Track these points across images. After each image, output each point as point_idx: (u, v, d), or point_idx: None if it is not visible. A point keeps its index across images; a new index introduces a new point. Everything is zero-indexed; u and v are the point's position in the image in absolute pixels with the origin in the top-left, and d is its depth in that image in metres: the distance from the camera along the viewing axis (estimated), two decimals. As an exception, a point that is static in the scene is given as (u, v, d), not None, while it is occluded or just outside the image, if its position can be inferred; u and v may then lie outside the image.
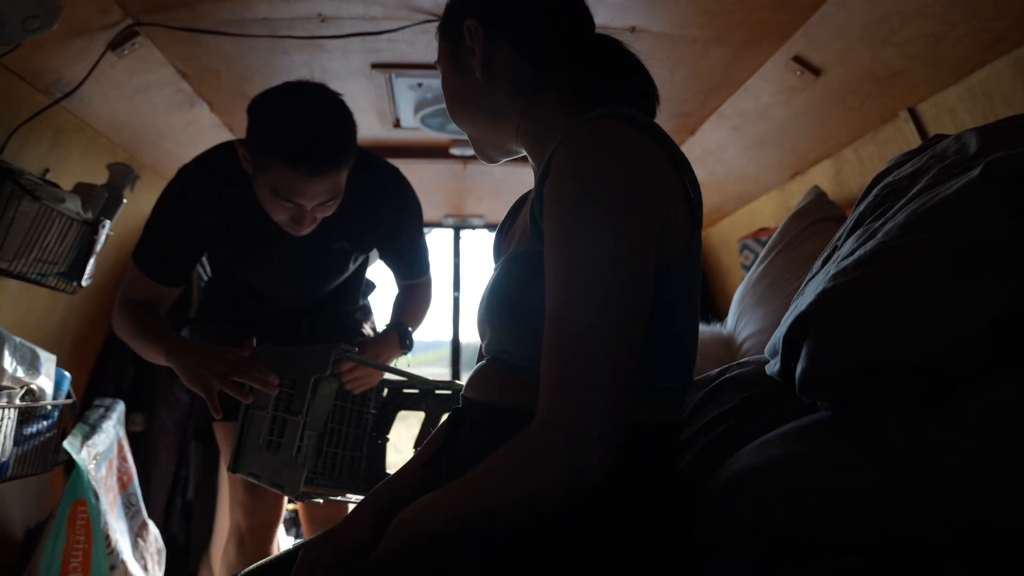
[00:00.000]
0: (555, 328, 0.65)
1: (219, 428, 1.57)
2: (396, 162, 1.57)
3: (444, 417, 1.15)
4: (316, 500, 1.35)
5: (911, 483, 0.61)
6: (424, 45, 1.63)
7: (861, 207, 0.89)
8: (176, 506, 2.32)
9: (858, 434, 0.67)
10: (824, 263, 0.88)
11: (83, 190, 1.56)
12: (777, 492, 0.69)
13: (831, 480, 0.66)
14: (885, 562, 0.61)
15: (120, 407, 1.92)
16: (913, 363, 0.66)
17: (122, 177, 1.68)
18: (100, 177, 1.66)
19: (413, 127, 2.01)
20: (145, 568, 1.79)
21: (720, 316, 2.39)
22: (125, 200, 1.69)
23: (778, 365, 0.82)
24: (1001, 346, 0.64)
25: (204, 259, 1.72)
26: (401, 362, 1.62)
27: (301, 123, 1.25)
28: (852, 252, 0.77)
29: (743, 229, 2.37)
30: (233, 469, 1.35)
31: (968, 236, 0.66)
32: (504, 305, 0.76)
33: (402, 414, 1.49)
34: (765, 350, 0.94)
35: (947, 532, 0.59)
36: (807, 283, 0.90)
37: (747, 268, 2.10)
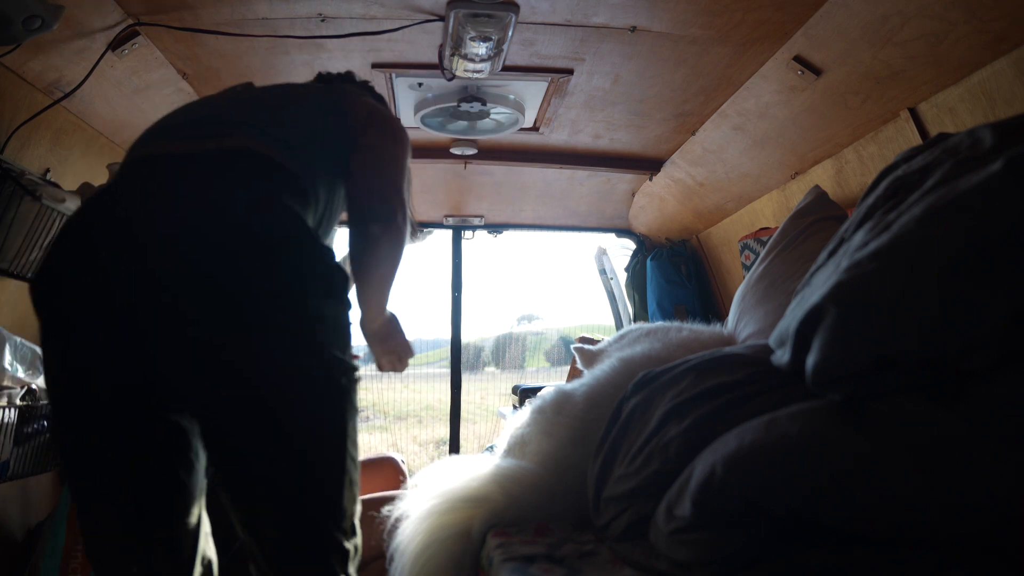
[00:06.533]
0: None
1: None
2: (396, 162, 1.57)
3: None
4: None
5: (924, 476, 0.61)
6: (424, 45, 1.64)
7: (870, 199, 0.88)
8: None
9: (873, 423, 0.67)
10: (831, 255, 0.87)
11: (87, 191, 1.56)
12: (786, 473, 0.68)
13: (842, 467, 0.65)
14: (891, 555, 0.61)
15: (120, 407, 1.92)
16: (929, 357, 0.65)
17: (122, 177, 1.68)
18: (100, 177, 1.66)
19: (413, 127, 2.01)
20: (145, 568, 1.79)
21: (721, 316, 2.38)
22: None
23: (788, 355, 0.81)
24: (1019, 341, 0.63)
25: None
26: None
27: None
28: (865, 244, 0.76)
29: (744, 229, 2.37)
30: None
31: (991, 229, 0.65)
32: None
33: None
34: (770, 340, 0.94)
35: (957, 525, 0.59)
36: (812, 274, 0.89)
37: (748, 268, 2.10)
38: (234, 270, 0.89)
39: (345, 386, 0.95)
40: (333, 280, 0.96)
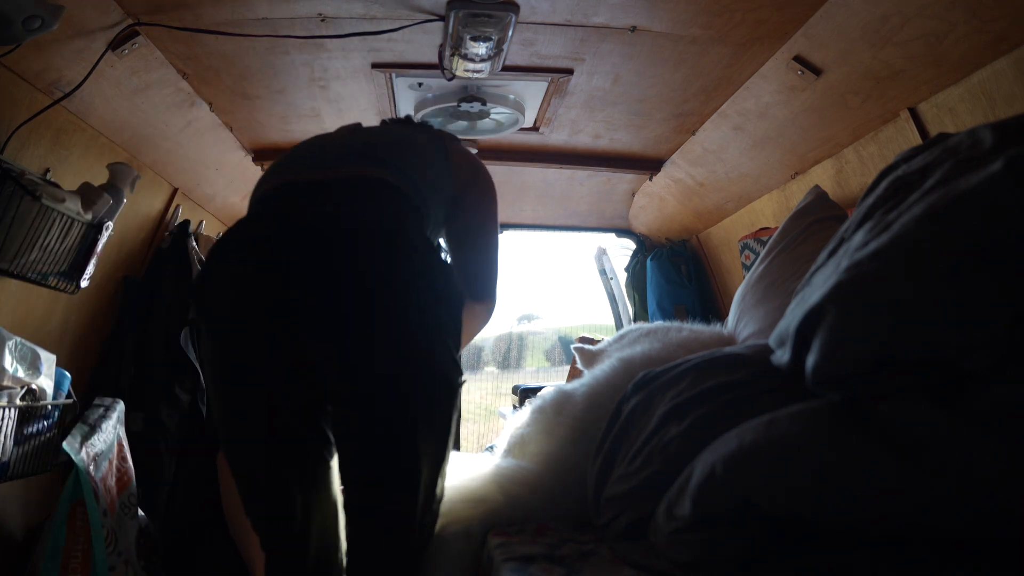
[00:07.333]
0: None
1: None
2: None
3: None
4: None
5: (924, 475, 0.61)
6: (424, 45, 1.64)
7: (870, 199, 0.88)
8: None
9: (873, 423, 0.67)
10: (831, 255, 0.87)
11: (87, 191, 1.56)
12: (786, 473, 0.68)
13: (842, 467, 0.65)
14: (891, 555, 0.61)
15: (120, 407, 1.91)
16: (929, 357, 0.65)
17: (123, 177, 1.68)
18: (100, 177, 1.66)
19: (413, 127, 2.00)
20: (145, 568, 1.79)
21: (721, 316, 2.38)
22: (125, 200, 1.68)
23: (787, 355, 0.81)
24: (1020, 341, 0.62)
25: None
26: None
27: None
28: (865, 243, 0.76)
29: (744, 229, 2.37)
30: None
31: (991, 230, 0.65)
32: None
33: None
34: (770, 340, 0.94)
35: (958, 525, 0.59)
36: (812, 274, 0.89)
37: (748, 268, 2.10)
38: (391, 277, 1.04)
39: (458, 387, 1.11)
40: (458, 299, 1.13)
